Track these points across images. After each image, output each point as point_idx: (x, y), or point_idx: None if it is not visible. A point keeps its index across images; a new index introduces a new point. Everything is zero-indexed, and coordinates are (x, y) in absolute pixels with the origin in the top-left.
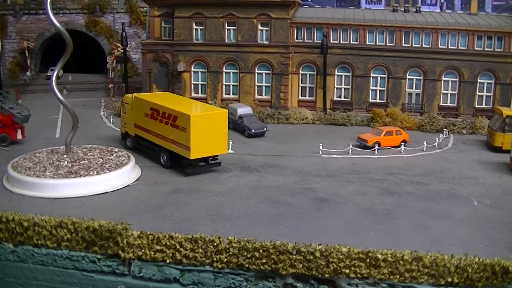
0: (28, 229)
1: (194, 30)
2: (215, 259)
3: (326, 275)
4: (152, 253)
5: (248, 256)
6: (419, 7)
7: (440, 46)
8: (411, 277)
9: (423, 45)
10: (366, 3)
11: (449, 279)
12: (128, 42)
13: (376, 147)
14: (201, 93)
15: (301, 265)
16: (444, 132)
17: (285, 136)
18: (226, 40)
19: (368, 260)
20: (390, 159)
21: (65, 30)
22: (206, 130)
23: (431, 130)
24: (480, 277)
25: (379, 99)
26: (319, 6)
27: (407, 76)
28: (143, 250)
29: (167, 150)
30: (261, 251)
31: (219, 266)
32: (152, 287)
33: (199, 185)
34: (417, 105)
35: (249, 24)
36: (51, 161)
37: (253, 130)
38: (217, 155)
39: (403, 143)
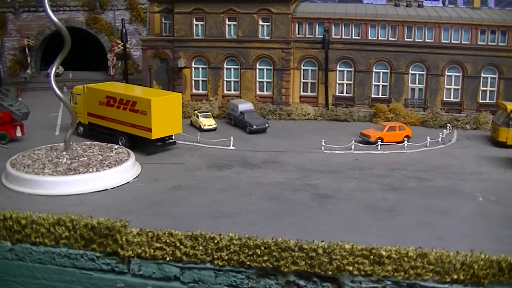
0: (26, 227)
1: (194, 25)
2: (215, 256)
3: (329, 272)
4: (152, 250)
5: (250, 253)
6: (421, 2)
7: (443, 41)
8: (416, 274)
9: (426, 40)
10: None
11: (455, 276)
12: (129, 39)
13: (379, 142)
14: (202, 89)
15: (304, 262)
16: (448, 127)
17: (286, 132)
18: (226, 36)
19: (371, 257)
20: (393, 154)
21: (65, 27)
22: (164, 112)
23: (434, 125)
24: (487, 274)
25: (382, 95)
26: (320, 1)
27: (410, 71)
28: (142, 248)
29: (126, 133)
30: (262, 248)
31: (220, 264)
32: (151, 285)
33: (199, 181)
34: (420, 100)
35: (249, 20)
36: (50, 158)
37: (254, 126)
38: (172, 135)
39: (406, 139)
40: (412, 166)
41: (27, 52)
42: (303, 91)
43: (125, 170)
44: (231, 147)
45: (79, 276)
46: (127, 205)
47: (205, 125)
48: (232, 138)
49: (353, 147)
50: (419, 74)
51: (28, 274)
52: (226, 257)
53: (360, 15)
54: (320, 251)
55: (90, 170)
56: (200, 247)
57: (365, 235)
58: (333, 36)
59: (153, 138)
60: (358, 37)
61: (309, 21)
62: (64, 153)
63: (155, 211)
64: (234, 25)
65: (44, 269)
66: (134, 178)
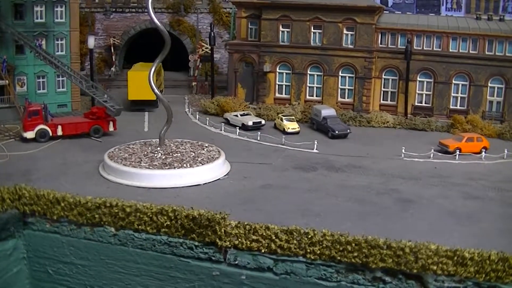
0: (130, 215)
1: (280, 32)
2: (308, 250)
3: (414, 271)
4: (248, 242)
5: (341, 249)
6: (503, 16)
7: None
8: (497, 277)
9: (506, 54)
10: (446, 10)
11: None
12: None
13: (457, 152)
14: (285, 94)
15: (391, 260)
16: None
17: (367, 138)
18: (311, 43)
19: (455, 258)
20: (471, 164)
21: (148, 28)
22: (139, 83)
23: (511, 138)
24: None
25: (460, 106)
26: (399, 12)
27: (489, 84)
28: (239, 239)
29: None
30: (353, 244)
31: (312, 258)
32: (246, 275)
33: (287, 181)
34: (498, 113)
35: (334, 28)
36: (145, 152)
37: (337, 131)
38: (157, 102)
39: (484, 150)
40: (491, 176)
41: (112, 51)
42: (383, 100)
43: (216, 168)
44: (315, 150)
45: (177, 263)
46: (220, 200)
47: (289, 128)
48: (316, 142)
49: (432, 156)
50: (498, 88)
51: (129, 259)
52: (318, 252)
53: (442, 28)
54: (407, 250)
55: (184, 165)
56: (295, 241)
57: (447, 238)
58: (415, 47)
59: (129, 99)
60: (439, 49)
61: (391, 32)
62: (158, 148)
63: (248, 207)
64: (319, 33)
65: (145, 255)
66: (225, 176)
